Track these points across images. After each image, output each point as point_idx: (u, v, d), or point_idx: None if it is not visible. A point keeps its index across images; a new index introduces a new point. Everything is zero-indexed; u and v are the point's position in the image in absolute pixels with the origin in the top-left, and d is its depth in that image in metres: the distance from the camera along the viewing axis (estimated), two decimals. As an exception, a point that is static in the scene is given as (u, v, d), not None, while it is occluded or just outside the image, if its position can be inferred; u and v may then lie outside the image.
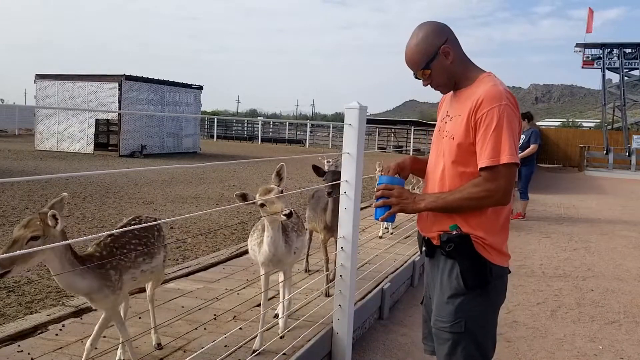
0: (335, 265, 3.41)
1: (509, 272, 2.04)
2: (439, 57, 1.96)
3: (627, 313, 4.77)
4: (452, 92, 2.09)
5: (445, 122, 2.04)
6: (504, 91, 1.89)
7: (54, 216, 2.16)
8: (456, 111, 1.99)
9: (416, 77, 2.04)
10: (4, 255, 1.98)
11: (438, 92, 2.13)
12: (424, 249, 2.13)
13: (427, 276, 2.20)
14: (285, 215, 2.73)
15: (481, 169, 1.87)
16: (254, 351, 3.00)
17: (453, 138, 1.95)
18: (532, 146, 9.08)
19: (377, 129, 36.96)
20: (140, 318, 3.44)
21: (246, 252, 5.42)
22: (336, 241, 3.64)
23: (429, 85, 2.05)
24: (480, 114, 1.86)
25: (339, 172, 3.35)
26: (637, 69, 26.08)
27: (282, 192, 2.83)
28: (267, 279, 3.28)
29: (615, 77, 27.17)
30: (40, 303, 4.32)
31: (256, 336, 3.17)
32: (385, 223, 5.78)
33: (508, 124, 1.84)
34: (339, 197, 3.41)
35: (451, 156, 1.96)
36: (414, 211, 2.01)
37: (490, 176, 1.85)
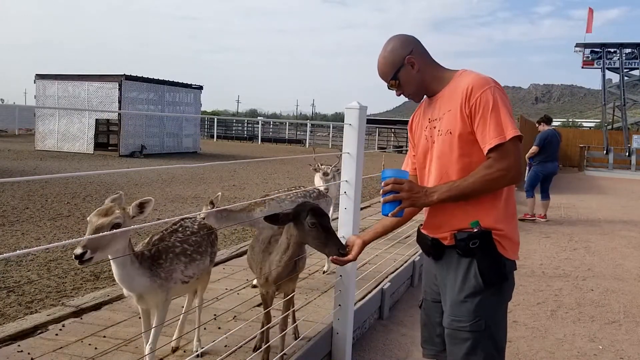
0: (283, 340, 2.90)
1: (516, 267, 2.05)
2: (405, 67, 2.02)
3: (627, 313, 4.77)
4: (424, 104, 2.12)
5: (434, 126, 2.03)
6: (489, 77, 1.95)
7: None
8: (444, 109, 1.99)
9: (389, 88, 2.09)
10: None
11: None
12: (430, 251, 2.09)
13: (431, 279, 2.16)
14: (75, 256, 2.01)
15: (490, 150, 1.87)
16: None
17: (451, 132, 1.95)
18: (533, 147, 9.33)
19: (377, 129, 36.97)
20: (140, 318, 3.44)
21: (246, 252, 5.44)
22: (286, 295, 3.02)
23: (402, 95, 2.09)
24: (473, 100, 1.89)
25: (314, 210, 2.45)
26: (637, 69, 26.07)
27: (118, 225, 2.15)
28: (145, 315, 2.68)
29: (615, 77, 27.17)
30: (40, 303, 4.32)
31: (255, 336, 3.17)
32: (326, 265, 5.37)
33: (502, 103, 1.88)
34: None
35: (453, 150, 1.95)
36: (426, 205, 1.97)
37: (500, 155, 1.86)
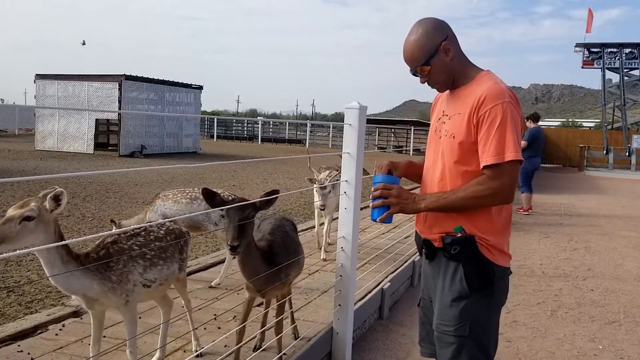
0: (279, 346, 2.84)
1: (511, 272, 2.02)
2: (440, 54, 1.93)
3: (627, 313, 4.77)
4: (447, 91, 2.05)
5: (443, 122, 2.00)
6: (506, 89, 1.87)
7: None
8: (455, 110, 1.95)
9: (414, 74, 2.00)
10: None
11: (435, 91, 2.10)
12: (423, 251, 2.08)
13: (426, 279, 2.16)
14: None
15: (485, 166, 1.83)
16: None
17: (454, 137, 1.92)
18: (522, 142, 9.70)
19: (377, 129, 36.95)
20: (140, 318, 3.44)
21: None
22: (277, 301, 2.93)
23: (426, 83, 2.01)
24: (482, 112, 1.83)
25: (247, 207, 2.39)
26: (637, 69, 26.00)
27: (29, 218, 2.09)
28: (95, 320, 2.55)
29: (615, 77, 27.12)
30: (40, 303, 4.32)
31: (255, 336, 3.17)
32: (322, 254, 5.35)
33: (511, 121, 1.82)
34: (252, 249, 2.52)
35: (452, 155, 1.93)
36: (414, 211, 1.96)
37: (495, 174, 1.82)
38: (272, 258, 2.72)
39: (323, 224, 5.83)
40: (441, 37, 1.93)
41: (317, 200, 5.38)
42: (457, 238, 1.89)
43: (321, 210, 5.40)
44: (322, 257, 5.41)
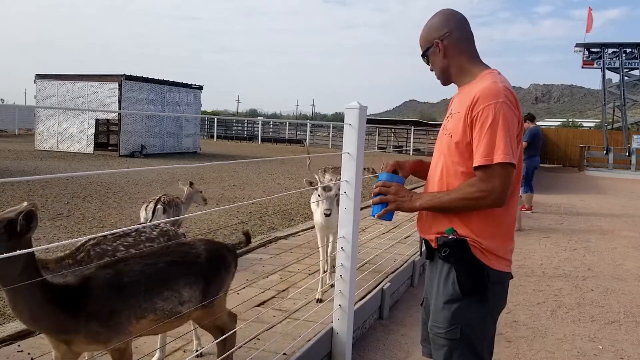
0: None
1: (511, 277, 1.97)
2: (434, 49, 2.00)
3: (627, 313, 4.77)
4: (458, 88, 2.07)
5: (448, 120, 2.00)
6: (503, 89, 1.83)
7: None
8: (457, 108, 1.95)
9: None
10: None
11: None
12: (424, 250, 2.08)
13: (427, 278, 2.16)
14: None
15: (475, 168, 1.81)
16: None
17: (451, 136, 1.91)
18: (522, 143, 9.69)
19: (377, 129, 36.94)
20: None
21: (246, 252, 5.44)
22: None
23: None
24: (476, 112, 1.81)
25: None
26: (637, 69, 26.00)
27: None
28: None
29: (615, 77, 27.12)
30: (40, 303, 4.31)
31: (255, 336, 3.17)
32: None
33: (504, 122, 1.78)
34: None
35: (450, 155, 1.92)
36: (410, 210, 1.96)
37: (485, 176, 1.79)
38: (69, 301, 2.06)
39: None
40: (438, 34, 1.97)
41: (318, 203, 4.40)
42: (447, 240, 1.87)
43: (326, 215, 4.19)
44: (320, 296, 4.19)
